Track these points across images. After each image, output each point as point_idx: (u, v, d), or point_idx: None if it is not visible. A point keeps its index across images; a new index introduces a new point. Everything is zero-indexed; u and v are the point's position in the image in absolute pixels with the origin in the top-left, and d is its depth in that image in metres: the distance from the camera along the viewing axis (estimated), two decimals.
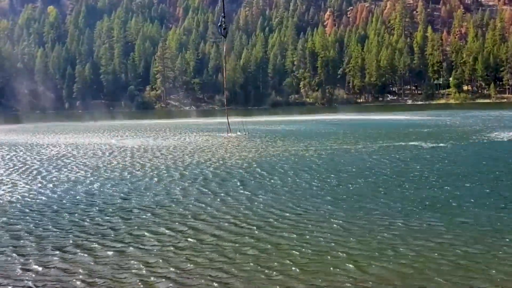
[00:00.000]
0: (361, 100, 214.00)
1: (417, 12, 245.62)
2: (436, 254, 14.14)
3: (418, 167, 29.35)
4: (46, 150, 44.07)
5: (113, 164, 33.45)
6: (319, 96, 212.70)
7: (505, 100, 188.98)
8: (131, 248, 15.22)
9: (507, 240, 15.21)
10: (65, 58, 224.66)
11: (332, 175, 27.16)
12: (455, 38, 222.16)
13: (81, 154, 40.16)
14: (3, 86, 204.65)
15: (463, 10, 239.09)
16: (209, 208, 20.26)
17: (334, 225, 17.15)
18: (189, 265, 13.71)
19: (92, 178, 27.89)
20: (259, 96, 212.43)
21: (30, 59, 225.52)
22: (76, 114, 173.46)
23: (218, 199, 21.87)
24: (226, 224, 17.78)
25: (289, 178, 26.56)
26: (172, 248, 15.07)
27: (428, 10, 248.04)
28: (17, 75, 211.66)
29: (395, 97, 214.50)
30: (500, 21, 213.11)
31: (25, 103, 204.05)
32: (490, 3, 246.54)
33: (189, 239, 15.99)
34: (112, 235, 16.59)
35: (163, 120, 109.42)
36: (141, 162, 34.35)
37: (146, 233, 16.67)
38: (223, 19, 61.37)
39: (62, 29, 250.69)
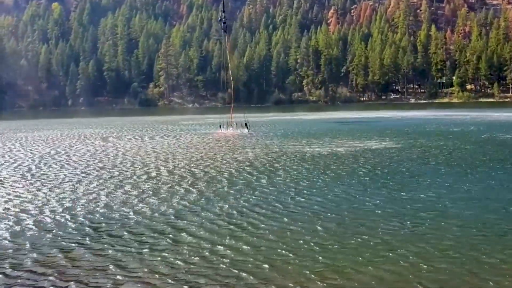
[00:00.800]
0: (364, 98, 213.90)
1: (421, 10, 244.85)
2: (426, 258, 14.08)
3: None
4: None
5: (95, 163, 33.83)
6: (322, 94, 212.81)
7: (508, 99, 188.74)
8: (110, 248, 15.39)
9: (502, 243, 15.21)
10: (69, 55, 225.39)
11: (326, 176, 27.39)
12: (458, 37, 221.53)
13: (63, 153, 40.57)
14: (7, 83, 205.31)
15: (467, 9, 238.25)
16: (193, 206, 20.45)
17: (319, 227, 17.27)
18: (166, 267, 13.84)
19: (72, 177, 28.18)
20: (262, 94, 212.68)
21: (34, 56, 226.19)
22: (79, 111, 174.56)
23: (203, 198, 22.01)
24: (208, 224, 17.90)
25: (279, 178, 26.66)
26: (150, 250, 15.21)
27: (432, 8, 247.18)
28: (21, 72, 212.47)
29: (398, 96, 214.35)
30: (504, 20, 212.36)
31: (28, 99, 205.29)
32: (494, 2, 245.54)
33: (168, 240, 16.14)
34: (91, 235, 16.75)
35: (163, 116, 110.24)
36: (131, 160, 34.70)
37: (125, 233, 16.89)
38: (223, 13, 63.32)
39: (66, 26, 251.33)
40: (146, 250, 15.18)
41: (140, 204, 21.04)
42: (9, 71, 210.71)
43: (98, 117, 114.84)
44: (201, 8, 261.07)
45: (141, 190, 24.09)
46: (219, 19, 65.77)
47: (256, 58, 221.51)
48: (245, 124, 60.06)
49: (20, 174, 29.71)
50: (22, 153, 40.60)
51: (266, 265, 13.77)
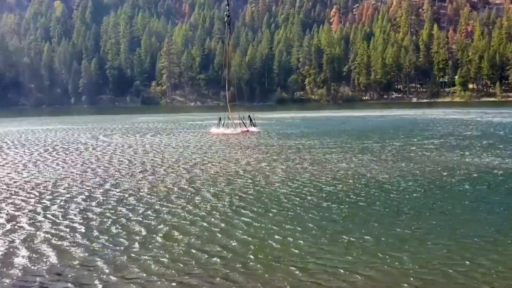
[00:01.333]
0: (366, 97, 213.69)
1: (423, 9, 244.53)
2: (419, 260, 14.12)
3: None
4: None
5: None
6: (324, 93, 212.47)
7: (511, 98, 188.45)
8: (79, 250, 15.48)
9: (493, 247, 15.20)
10: (71, 53, 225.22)
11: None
12: (461, 36, 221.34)
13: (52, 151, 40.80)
14: (10, 81, 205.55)
15: (469, 8, 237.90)
16: (175, 206, 20.60)
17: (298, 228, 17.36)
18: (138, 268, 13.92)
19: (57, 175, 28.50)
20: (265, 92, 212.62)
21: (36, 54, 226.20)
22: (81, 109, 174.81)
23: (186, 198, 22.14)
24: (186, 224, 18.02)
25: (268, 179, 26.66)
26: (123, 251, 15.25)
27: (434, 7, 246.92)
28: (23, 70, 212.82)
29: (400, 95, 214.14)
30: (507, 20, 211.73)
31: (31, 98, 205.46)
32: (497, 1, 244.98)
33: (144, 240, 16.24)
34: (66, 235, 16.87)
35: (160, 114, 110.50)
36: (121, 159, 35.06)
37: (97, 233, 17.02)
38: (227, 7, 63.64)
39: (68, 24, 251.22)
40: (118, 253, 15.11)
41: (119, 206, 20.90)
42: (12, 69, 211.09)
43: (97, 115, 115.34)
44: (203, 7, 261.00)
45: (122, 189, 24.16)
46: (225, 13, 66.32)
47: (258, 56, 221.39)
48: (249, 118, 59.05)
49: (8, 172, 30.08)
50: (13, 151, 41.04)
51: (251, 266, 13.88)
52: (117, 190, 23.98)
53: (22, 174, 29.27)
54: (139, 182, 26.09)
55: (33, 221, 18.58)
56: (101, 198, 22.32)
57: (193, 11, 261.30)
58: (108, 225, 17.93)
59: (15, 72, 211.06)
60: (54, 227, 17.75)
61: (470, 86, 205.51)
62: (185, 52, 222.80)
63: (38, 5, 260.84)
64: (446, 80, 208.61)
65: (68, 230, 17.32)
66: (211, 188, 24.13)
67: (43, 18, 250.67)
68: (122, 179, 26.91)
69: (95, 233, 16.94)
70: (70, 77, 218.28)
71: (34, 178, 27.60)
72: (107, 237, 16.42)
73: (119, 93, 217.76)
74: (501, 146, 39.69)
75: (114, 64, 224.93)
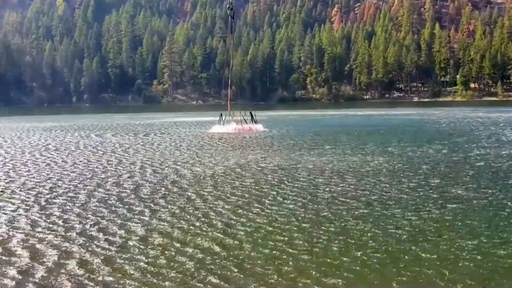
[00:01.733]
0: (367, 96, 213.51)
1: (425, 9, 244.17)
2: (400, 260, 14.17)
3: None
4: None
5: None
6: (326, 92, 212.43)
7: None
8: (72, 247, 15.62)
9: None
10: (73, 51, 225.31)
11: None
12: (462, 35, 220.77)
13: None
14: (12, 80, 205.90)
15: (471, 7, 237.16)
16: (158, 207, 20.63)
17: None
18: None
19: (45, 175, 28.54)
20: (266, 91, 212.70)
21: (38, 53, 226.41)
22: (83, 107, 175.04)
23: (170, 199, 22.17)
24: (180, 225, 18.05)
25: (258, 179, 26.70)
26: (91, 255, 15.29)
27: (436, 7, 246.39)
28: (25, 69, 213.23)
29: (401, 94, 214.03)
30: (508, 19, 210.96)
31: (33, 96, 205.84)
32: (499, 1, 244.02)
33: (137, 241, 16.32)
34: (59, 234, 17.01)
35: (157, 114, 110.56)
36: (110, 159, 35.11)
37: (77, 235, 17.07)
38: (231, 0, 63.42)
39: (70, 23, 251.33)
40: (94, 254, 15.16)
41: (101, 207, 20.89)
42: (14, 68, 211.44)
43: (97, 114, 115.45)
44: (205, 6, 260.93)
45: (106, 190, 24.21)
46: (228, 6, 66.23)
47: (259, 56, 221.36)
48: (250, 114, 58.53)
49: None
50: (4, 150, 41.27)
51: (234, 267, 13.91)
52: (101, 190, 24.04)
53: (9, 173, 29.39)
54: (125, 182, 26.11)
55: (12, 222, 18.69)
56: (84, 199, 22.36)
57: (194, 10, 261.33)
58: (87, 226, 17.97)
59: (17, 71, 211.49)
60: (32, 227, 17.85)
61: (472, 85, 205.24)
62: (187, 51, 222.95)
63: (40, 4, 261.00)
64: (448, 80, 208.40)
65: (46, 231, 17.38)
66: (197, 189, 24.14)
67: (45, 17, 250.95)
68: (108, 180, 26.95)
69: (73, 234, 17.00)
70: (72, 76, 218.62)
71: (21, 178, 27.72)
72: (84, 239, 16.46)
73: (120, 92, 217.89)
74: None
75: (116, 63, 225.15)
